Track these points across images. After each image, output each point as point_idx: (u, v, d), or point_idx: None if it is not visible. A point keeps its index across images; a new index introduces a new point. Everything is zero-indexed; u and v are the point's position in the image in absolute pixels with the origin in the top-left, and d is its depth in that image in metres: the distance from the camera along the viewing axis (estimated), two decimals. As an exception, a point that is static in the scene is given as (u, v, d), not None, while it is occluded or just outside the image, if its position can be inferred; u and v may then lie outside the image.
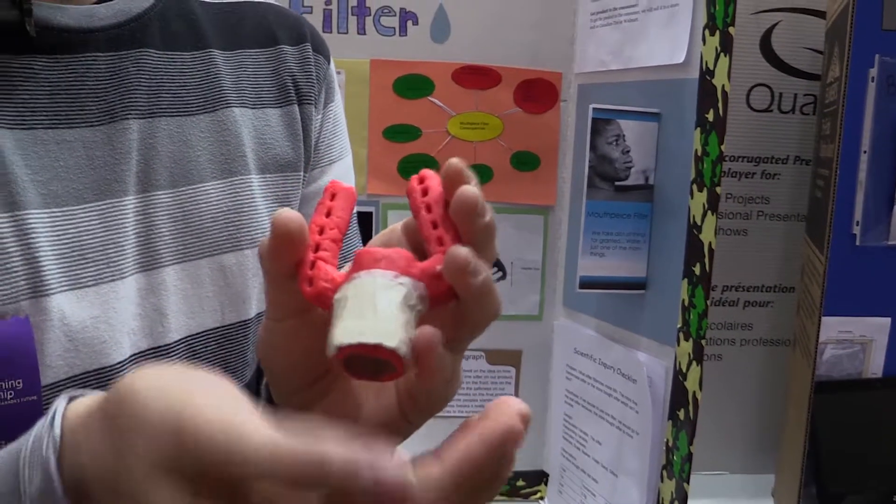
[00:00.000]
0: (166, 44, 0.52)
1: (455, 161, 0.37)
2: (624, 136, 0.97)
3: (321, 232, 0.36)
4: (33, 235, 0.44)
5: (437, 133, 1.08)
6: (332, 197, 0.38)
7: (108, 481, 0.29)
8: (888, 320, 1.20)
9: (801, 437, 0.92)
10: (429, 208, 0.38)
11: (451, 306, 0.36)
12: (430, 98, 1.08)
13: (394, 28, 1.06)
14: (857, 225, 1.17)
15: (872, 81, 1.14)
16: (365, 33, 1.06)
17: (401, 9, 1.06)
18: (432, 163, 1.08)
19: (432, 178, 0.39)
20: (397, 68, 1.07)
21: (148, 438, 0.28)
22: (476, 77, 1.08)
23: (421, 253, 0.37)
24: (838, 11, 1.01)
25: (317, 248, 0.36)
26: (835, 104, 0.95)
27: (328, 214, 0.37)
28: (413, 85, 1.07)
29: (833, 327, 1.19)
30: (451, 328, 0.36)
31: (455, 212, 0.36)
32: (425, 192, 0.38)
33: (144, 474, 0.28)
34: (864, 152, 1.15)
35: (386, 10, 1.06)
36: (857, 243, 1.17)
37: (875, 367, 1.21)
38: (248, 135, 0.55)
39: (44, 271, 0.44)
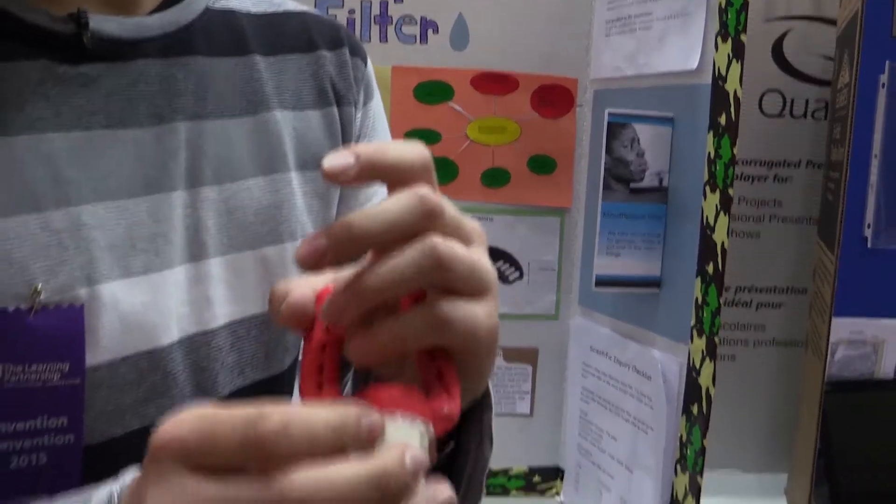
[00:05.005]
0: (212, 51, 0.55)
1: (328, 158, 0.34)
2: (639, 139, 1.00)
3: (323, 350, 0.36)
4: (86, 229, 0.47)
5: (456, 137, 1.11)
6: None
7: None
8: (900, 322, 1.22)
9: (812, 437, 0.94)
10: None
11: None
12: (449, 103, 1.11)
13: (415, 36, 1.10)
14: (869, 228, 1.19)
15: (883, 87, 1.16)
16: (387, 41, 1.09)
17: (422, 17, 1.09)
18: (452, 166, 1.11)
19: None
20: (418, 75, 1.10)
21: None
22: (494, 83, 1.11)
23: None
24: (848, 19, 1.03)
25: (321, 370, 0.36)
26: (845, 109, 0.97)
27: (327, 333, 0.36)
28: (433, 91, 1.11)
29: (845, 328, 1.21)
30: None
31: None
32: None
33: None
34: (875, 156, 1.17)
35: (407, 19, 1.09)
36: (869, 245, 1.19)
37: (887, 367, 1.23)
38: (288, 135, 0.58)
39: (97, 261, 0.47)
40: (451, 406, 0.35)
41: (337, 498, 0.29)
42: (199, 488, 0.30)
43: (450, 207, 0.35)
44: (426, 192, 0.34)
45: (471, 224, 0.37)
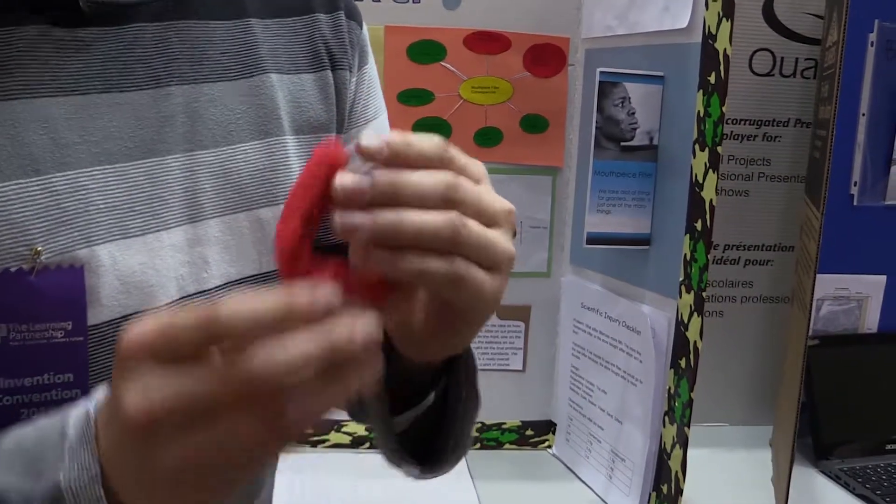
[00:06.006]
0: (207, 14, 0.56)
1: (364, 140, 0.39)
2: (629, 98, 1.01)
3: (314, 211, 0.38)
4: (85, 192, 0.48)
5: (449, 97, 1.12)
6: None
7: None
8: (884, 278, 1.24)
9: (797, 390, 0.97)
10: None
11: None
12: (442, 63, 1.11)
13: (407, -5, 1.10)
14: (855, 185, 1.21)
15: (872, 46, 1.17)
16: (380, 0, 1.09)
17: (414, -24, 1.09)
18: (445, 126, 1.12)
19: None
20: (411, 34, 1.10)
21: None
22: (487, 42, 1.12)
23: None
24: (838, -23, 1.03)
25: (309, 222, 0.38)
26: (833, 68, 0.98)
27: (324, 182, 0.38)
28: (426, 50, 1.11)
29: (830, 284, 1.23)
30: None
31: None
32: None
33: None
34: (863, 115, 1.19)
35: (400, -22, 1.09)
36: (855, 203, 1.21)
37: (871, 322, 1.26)
38: (283, 98, 0.59)
39: (96, 223, 0.49)
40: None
41: (293, 367, 0.32)
42: (163, 379, 0.33)
43: (472, 192, 0.40)
44: (451, 180, 0.39)
45: (498, 205, 0.41)
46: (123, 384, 0.34)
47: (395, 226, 0.37)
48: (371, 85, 0.66)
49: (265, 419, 0.33)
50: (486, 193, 0.40)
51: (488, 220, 0.40)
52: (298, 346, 0.32)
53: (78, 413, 0.39)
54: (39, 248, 0.46)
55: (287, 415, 0.33)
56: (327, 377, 0.33)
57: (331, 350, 0.32)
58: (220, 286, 0.55)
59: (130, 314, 0.50)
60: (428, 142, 0.39)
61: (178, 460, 0.34)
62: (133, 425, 0.34)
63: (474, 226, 0.39)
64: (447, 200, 0.38)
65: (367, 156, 0.38)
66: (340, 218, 0.37)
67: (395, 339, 0.48)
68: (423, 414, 0.56)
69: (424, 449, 0.57)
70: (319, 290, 0.33)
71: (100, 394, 0.40)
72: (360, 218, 0.37)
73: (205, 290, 0.55)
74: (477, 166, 0.41)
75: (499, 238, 0.40)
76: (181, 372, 0.33)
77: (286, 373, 0.32)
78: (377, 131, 0.66)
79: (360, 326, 0.33)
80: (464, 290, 0.40)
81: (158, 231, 0.52)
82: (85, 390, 0.49)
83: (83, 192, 0.48)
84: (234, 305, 0.33)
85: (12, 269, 0.46)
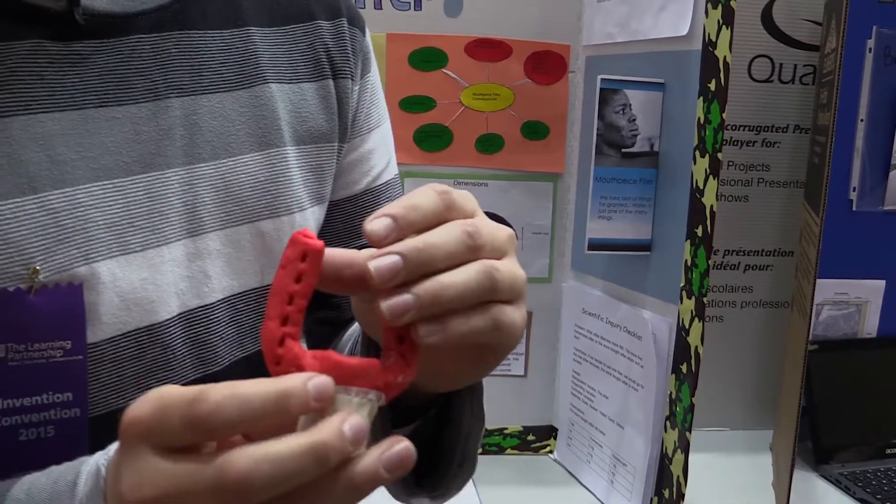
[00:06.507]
0: (206, 23, 0.55)
1: (368, 226, 0.36)
2: (630, 105, 1.01)
3: (290, 301, 0.35)
4: (84, 209, 0.48)
5: (450, 104, 1.13)
6: (303, 258, 0.36)
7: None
8: (883, 283, 1.25)
9: (797, 395, 0.97)
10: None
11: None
12: (444, 70, 1.12)
13: (409, 3, 1.11)
14: (854, 191, 1.22)
15: (870, 52, 1.18)
16: (381, 8, 1.10)
17: (416, -16, 1.10)
18: (447, 132, 1.13)
19: None
20: (413, 42, 1.11)
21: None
22: (488, 50, 1.12)
23: None
24: (836, -16, 1.04)
25: (285, 321, 0.35)
26: (831, 74, 0.99)
27: (298, 280, 0.36)
28: (428, 57, 1.12)
29: (830, 289, 1.24)
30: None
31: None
32: None
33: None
34: (861, 120, 1.20)
35: (401, -14, 1.10)
36: (854, 208, 1.22)
37: (870, 327, 1.27)
38: (283, 109, 0.58)
39: (95, 240, 0.48)
40: (406, 374, 0.36)
41: (278, 472, 0.31)
42: (155, 468, 0.32)
43: (487, 231, 0.38)
44: (470, 228, 0.37)
45: (502, 234, 0.40)
46: (123, 463, 0.34)
47: (439, 294, 0.36)
48: (374, 92, 0.65)
49: None
50: (491, 225, 0.39)
51: (501, 252, 0.39)
52: (286, 447, 0.31)
53: (90, 469, 0.39)
54: (38, 268, 0.46)
55: None
56: (328, 483, 0.32)
57: (319, 450, 0.31)
58: (221, 300, 0.55)
59: (131, 331, 0.50)
60: (426, 197, 0.38)
61: None
62: None
63: (502, 267, 0.38)
64: (472, 249, 0.37)
65: (378, 241, 0.36)
66: (387, 306, 0.35)
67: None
68: (426, 433, 0.54)
69: (430, 474, 0.55)
70: (313, 381, 0.32)
71: (112, 448, 0.39)
72: (404, 299, 0.35)
73: (206, 304, 0.54)
74: (470, 199, 0.40)
75: (517, 269, 0.40)
76: (170, 462, 0.32)
77: (272, 475, 0.31)
78: (381, 139, 0.66)
79: (350, 422, 0.32)
80: (503, 333, 0.38)
81: (159, 246, 0.51)
82: (84, 408, 0.49)
83: (81, 209, 0.48)
84: (217, 395, 0.31)
85: (10, 289, 0.45)
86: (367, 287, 0.36)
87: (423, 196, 0.37)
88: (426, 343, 0.36)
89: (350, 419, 0.32)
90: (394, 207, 0.36)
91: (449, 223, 0.37)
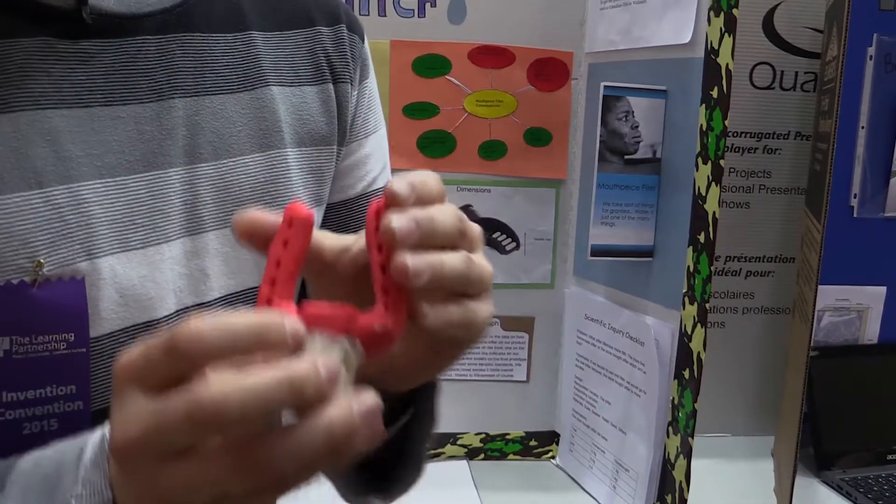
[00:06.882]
0: (210, 27, 0.56)
1: (394, 186, 0.38)
2: (633, 112, 1.02)
3: (277, 265, 0.36)
4: (87, 204, 0.49)
5: (454, 110, 1.13)
6: (290, 224, 0.37)
7: None
8: (884, 289, 1.26)
9: (798, 401, 0.97)
10: (380, 248, 0.38)
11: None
12: (447, 77, 1.13)
13: (413, 10, 1.11)
14: (855, 197, 1.22)
15: (870, 59, 1.19)
16: (385, 15, 1.11)
17: (419, -9, 1.11)
18: (450, 139, 1.14)
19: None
20: (416, 48, 1.12)
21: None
22: (491, 56, 1.13)
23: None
24: (837, -8, 1.05)
25: (273, 283, 0.36)
26: (833, 81, 1.00)
27: (285, 245, 0.37)
28: (431, 64, 1.12)
29: (831, 295, 1.24)
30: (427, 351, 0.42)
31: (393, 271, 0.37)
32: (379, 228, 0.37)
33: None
34: (862, 127, 1.20)
35: (405, -7, 1.11)
36: (855, 215, 1.22)
37: (871, 333, 1.27)
38: (284, 111, 0.59)
39: (97, 236, 0.49)
40: (386, 323, 0.37)
41: (252, 399, 0.31)
42: (139, 406, 0.33)
43: (470, 222, 0.40)
44: (461, 214, 0.39)
45: (471, 227, 0.41)
46: (114, 410, 0.34)
47: (441, 269, 0.37)
48: (371, 98, 0.66)
49: (242, 468, 0.32)
50: (465, 220, 0.40)
51: (476, 245, 0.41)
52: (262, 376, 0.31)
53: (95, 437, 0.40)
54: (42, 261, 0.47)
55: (266, 464, 0.32)
56: (308, 429, 0.32)
57: (294, 382, 0.31)
58: (219, 298, 0.55)
59: (129, 327, 0.51)
60: (430, 177, 0.39)
61: (164, 491, 0.33)
62: (116, 453, 0.34)
63: (476, 259, 0.39)
64: (462, 234, 0.39)
65: (398, 200, 0.38)
66: (413, 262, 0.36)
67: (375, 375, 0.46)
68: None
69: (383, 476, 0.55)
70: (290, 318, 0.33)
71: None
72: (426, 259, 0.37)
73: (204, 303, 0.55)
74: (439, 184, 0.41)
75: (487, 263, 0.41)
76: (153, 398, 0.33)
77: (246, 402, 0.31)
78: (377, 144, 0.67)
79: (323, 360, 0.32)
80: (473, 329, 0.40)
81: (159, 244, 0.52)
82: (87, 402, 0.49)
83: (85, 205, 0.48)
84: (196, 324, 0.32)
85: (14, 282, 0.46)
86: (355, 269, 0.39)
87: (428, 175, 0.39)
88: (425, 324, 0.38)
89: (322, 358, 0.33)
90: (412, 176, 0.39)
91: (446, 205, 0.39)
